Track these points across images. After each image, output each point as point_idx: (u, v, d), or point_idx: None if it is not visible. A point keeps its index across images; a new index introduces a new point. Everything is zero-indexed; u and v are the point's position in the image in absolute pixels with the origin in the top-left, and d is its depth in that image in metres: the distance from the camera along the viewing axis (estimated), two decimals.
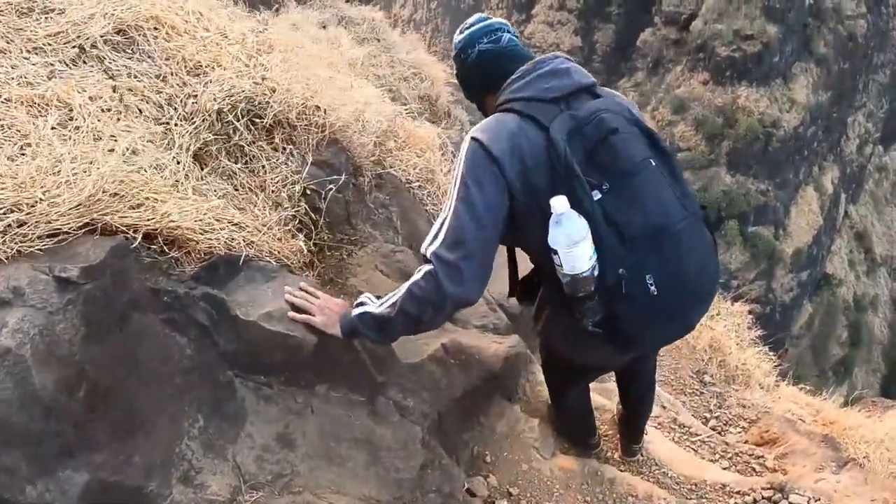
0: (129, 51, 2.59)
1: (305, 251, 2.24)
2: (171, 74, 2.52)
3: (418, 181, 3.96)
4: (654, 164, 1.90)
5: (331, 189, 2.43)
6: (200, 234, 1.96)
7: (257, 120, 2.46)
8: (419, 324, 1.92)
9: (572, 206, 1.77)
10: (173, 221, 1.90)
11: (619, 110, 1.95)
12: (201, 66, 2.56)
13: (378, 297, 1.99)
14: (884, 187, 58.18)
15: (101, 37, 2.55)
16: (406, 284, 1.92)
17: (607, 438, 3.25)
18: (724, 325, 6.52)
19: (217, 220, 2.04)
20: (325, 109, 2.64)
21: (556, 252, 1.78)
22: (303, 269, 2.24)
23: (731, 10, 41.85)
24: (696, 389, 5.43)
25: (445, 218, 1.88)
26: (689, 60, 43.83)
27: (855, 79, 47.69)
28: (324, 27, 7.59)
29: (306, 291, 2.07)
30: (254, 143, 2.41)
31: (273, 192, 2.31)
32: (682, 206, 1.89)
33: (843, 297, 51.95)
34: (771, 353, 7.43)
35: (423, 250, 1.91)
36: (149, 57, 2.59)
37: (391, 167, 3.85)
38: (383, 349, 2.11)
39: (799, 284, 45.54)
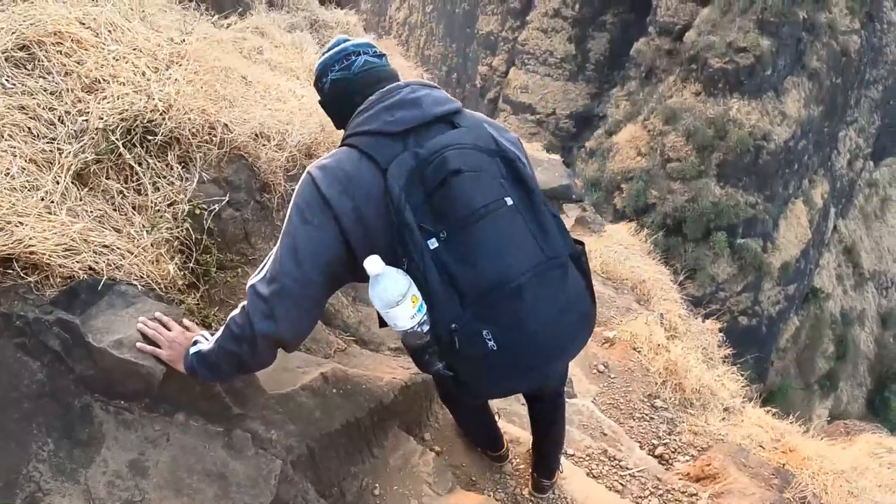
0: (29, 67, 2.57)
1: (178, 273, 2.21)
2: (67, 91, 2.50)
3: None
4: (509, 203, 1.74)
5: (214, 209, 2.40)
6: (62, 257, 1.94)
7: (150, 137, 2.44)
8: (241, 362, 1.80)
9: (403, 258, 1.68)
10: (31, 245, 1.88)
11: (474, 143, 1.78)
12: (99, 81, 2.54)
13: (212, 335, 1.88)
14: (873, 203, 58.41)
15: (3, 52, 2.53)
16: (233, 312, 1.83)
17: (518, 473, 3.17)
18: (683, 347, 6.50)
19: (85, 242, 2.02)
20: (226, 125, 2.61)
21: (386, 312, 1.67)
22: (180, 291, 2.22)
23: (724, 22, 41.94)
24: (646, 414, 5.34)
25: (272, 253, 1.81)
26: (682, 71, 43.86)
27: (847, 94, 47.82)
28: (290, 31, 7.58)
29: (160, 322, 1.97)
30: (144, 161, 2.38)
31: (157, 212, 2.28)
32: (539, 250, 1.75)
33: (830, 311, 52.08)
34: (741, 373, 7.43)
35: (247, 282, 1.82)
36: (48, 73, 2.57)
37: None
38: (242, 380, 2.08)
39: (786, 297, 45.59)
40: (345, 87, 1.94)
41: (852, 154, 53.38)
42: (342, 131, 2.00)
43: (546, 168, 14.53)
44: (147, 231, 2.20)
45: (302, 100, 3.80)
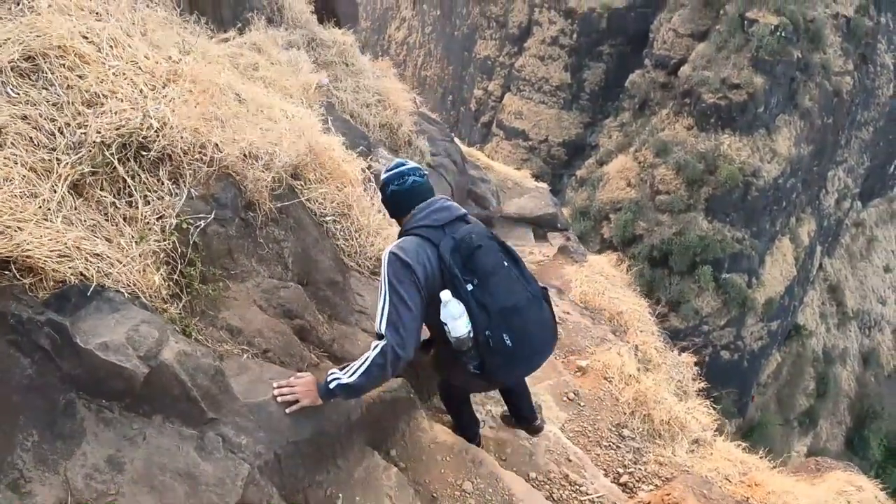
0: (33, 78, 2.71)
1: (165, 284, 2.35)
2: (68, 103, 2.64)
3: (334, 215, 4.08)
4: (506, 265, 2.99)
5: (200, 224, 2.55)
6: (56, 262, 2.08)
7: (144, 153, 2.59)
8: (380, 382, 2.79)
9: (454, 296, 2.80)
10: (28, 250, 2.02)
11: (482, 232, 3.04)
12: (98, 96, 2.69)
13: (342, 369, 2.73)
14: (860, 242, 58.81)
15: (10, 62, 2.66)
16: (367, 358, 2.68)
17: (479, 492, 3.30)
18: (654, 379, 6.60)
19: (77, 250, 2.16)
20: (216, 144, 2.77)
21: (445, 323, 2.78)
22: (164, 301, 2.36)
23: (719, 58, 42.34)
24: (613, 443, 5.41)
25: (384, 306, 2.74)
26: (676, 105, 44.18)
27: (838, 134, 48.20)
28: (287, 48, 7.73)
29: (282, 385, 2.67)
30: (136, 175, 2.53)
31: (146, 224, 2.42)
32: (526, 290, 2.99)
33: (812, 349, 52.14)
34: (713, 406, 7.49)
35: (376, 329, 2.75)
36: (51, 84, 2.71)
37: (309, 200, 3.97)
38: (217, 387, 2.22)
39: (769, 333, 45.64)
40: (399, 197, 3.11)
41: (840, 193, 53.78)
42: (384, 209, 3.36)
43: (533, 196, 14.75)
44: (136, 242, 2.34)
45: (293, 120, 3.96)
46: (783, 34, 40.98)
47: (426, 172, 3.25)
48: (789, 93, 43.01)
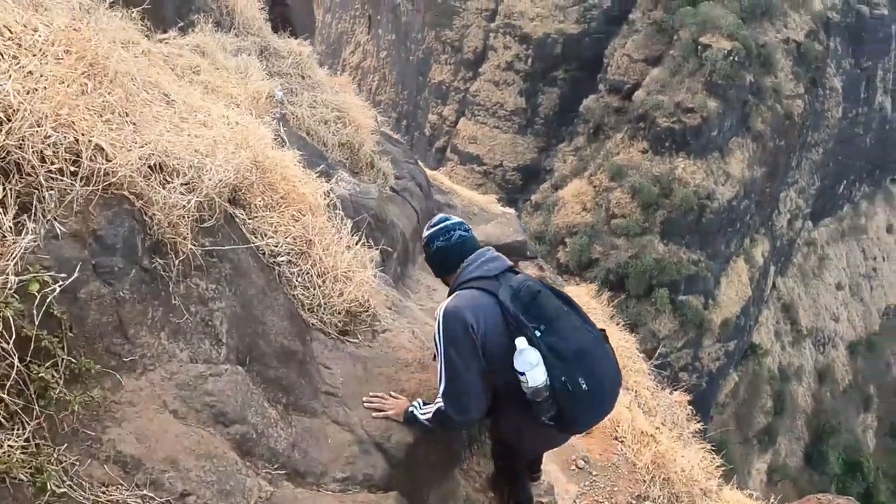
0: None
1: None
2: None
3: (288, 254, 3.03)
4: (566, 309, 2.92)
5: (62, 284, 1.47)
6: None
7: None
8: (446, 431, 3.06)
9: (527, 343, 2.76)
10: None
11: (535, 280, 3.00)
12: None
13: (426, 404, 2.95)
14: (811, 261, 59.88)
15: None
16: (431, 411, 2.87)
17: None
18: (668, 435, 5.83)
19: None
20: (100, 147, 1.70)
21: (522, 373, 2.71)
22: None
23: (674, 82, 42.61)
24: None
25: (442, 373, 2.81)
26: (630, 129, 44.26)
27: (789, 156, 48.96)
28: (236, 55, 6.68)
29: (374, 397, 2.95)
30: None
31: None
32: (589, 332, 2.90)
33: (768, 367, 52.82)
34: (713, 450, 6.88)
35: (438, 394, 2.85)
36: None
37: (255, 233, 2.92)
38: None
39: (726, 354, 45.85)
40: (447, 253, 3.11)
41: (793, 214, 54.75)
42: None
43: (500, 222, 13.80)
44: None
45: (235, 127, 2.93)
46: (736, 59, 41.87)
47: (470, 227, 3.25)
48: (742, 116, 43.78)
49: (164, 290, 1.86)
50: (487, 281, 2.89)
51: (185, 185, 2.13)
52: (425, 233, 3.19)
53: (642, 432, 5.32)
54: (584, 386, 2.71)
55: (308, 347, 2.61)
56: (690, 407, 8.99)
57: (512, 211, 15.43)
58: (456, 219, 3.24)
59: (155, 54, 3.65)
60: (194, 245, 2.04)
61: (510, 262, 3.08)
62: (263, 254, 2.85)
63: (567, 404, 2.73)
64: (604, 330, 3.01)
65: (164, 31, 5.63)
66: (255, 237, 2.85)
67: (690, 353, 42.89)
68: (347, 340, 3.00)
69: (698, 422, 8.65)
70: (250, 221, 2.86)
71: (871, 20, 57.36)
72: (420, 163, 11.42)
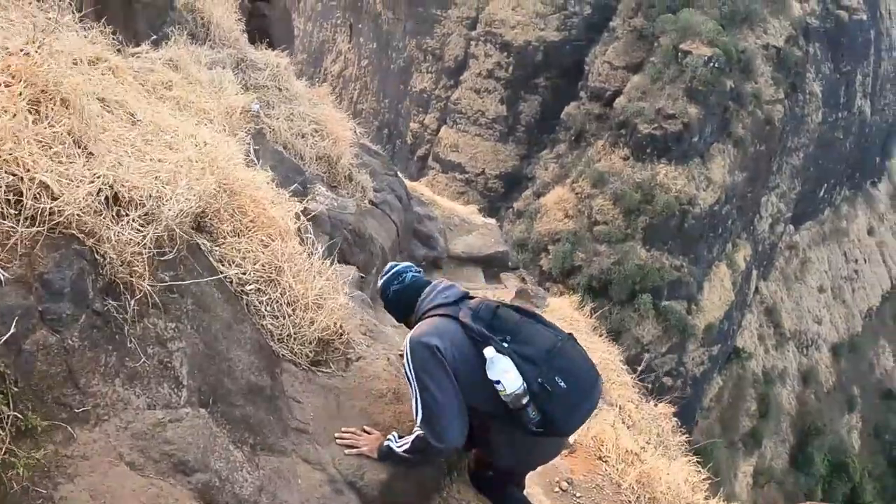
0: None
1: None
2: None
3: (257, 282, 2.94)
4: (527, 319, 3.01)
5: (7, 333, 1.38)
6: None
7: None
8: (426, 461, 3.03)
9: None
10: None
11: (491, 300, 3.08)
12: None
13: (401, 437, 2.93)
14: (793, 265, 60.23)
15: None
16: (408, 441, 2.87)
17: None
18: (652, 452, 5.74)
19: None
20: (45, 185, 1.61)
21: (498, 381, 2.75)
22: None
23: (654, 89, 42.78)
24: None
25: (416, 402, 2.83)
26: (611, 136, 44.38)
27: (770, 160, 49.18)
28: (211, 68, 6.57)
29: (346, 433, 2.93)
30: None
31: None
32: (555, 334, 2.98)
33: (752, 371, 53.02)
34: (698, 463, 6.79)
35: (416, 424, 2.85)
36: None
37: (222, 260, 2.83)
38: None
39: (710, 358, 45.98)
40: (403, 295, 3.22)
41: (774, 218, 55.01)
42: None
43: (482, 233, 13.73)
44: None
45: (203, 149, 2.84)
46: (716, 65, 42.15)
47: (420, 268, 3.43)
48: (723, 122, 44.04)
49: (118, 334, 1.77)
50: (447, 307, 2.98)
51: (144, 216, 2.04)
52: (379, 282, 3.32)
53: (627, 451, 5.23)
54: (562, 384, 2.75)
55: (277, 381, 2.52)
56: (676, 419, 8.96)
57: (493, 221, 15.37)
58: (405, 263, 3.39)
59: (124, 70, 3.54)
60: (153, 281, 1.94)
61: (465, 290, 3.19)
62: (231, 282, 2.75)
63: (550, 407, 2.76)
64: (570, 333, 3.06)
65: (137, 45, 5.53)
66: (223, 265, 2.76)
67: (674, 358, 42.98)
68: (319, 371, 2.90)
69: (684, 433, 8.58)
70: (217, 249, 2.76)
71: (851, 25, 58.00)
72: (400, 174, 11.35)
